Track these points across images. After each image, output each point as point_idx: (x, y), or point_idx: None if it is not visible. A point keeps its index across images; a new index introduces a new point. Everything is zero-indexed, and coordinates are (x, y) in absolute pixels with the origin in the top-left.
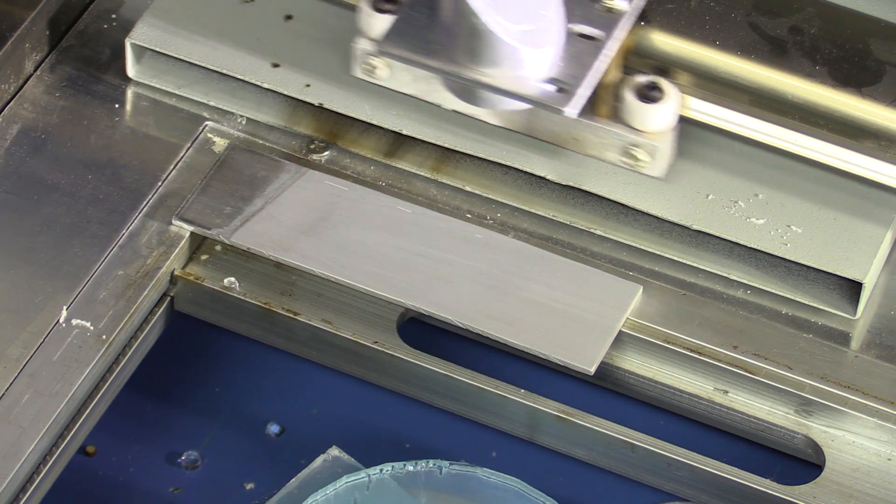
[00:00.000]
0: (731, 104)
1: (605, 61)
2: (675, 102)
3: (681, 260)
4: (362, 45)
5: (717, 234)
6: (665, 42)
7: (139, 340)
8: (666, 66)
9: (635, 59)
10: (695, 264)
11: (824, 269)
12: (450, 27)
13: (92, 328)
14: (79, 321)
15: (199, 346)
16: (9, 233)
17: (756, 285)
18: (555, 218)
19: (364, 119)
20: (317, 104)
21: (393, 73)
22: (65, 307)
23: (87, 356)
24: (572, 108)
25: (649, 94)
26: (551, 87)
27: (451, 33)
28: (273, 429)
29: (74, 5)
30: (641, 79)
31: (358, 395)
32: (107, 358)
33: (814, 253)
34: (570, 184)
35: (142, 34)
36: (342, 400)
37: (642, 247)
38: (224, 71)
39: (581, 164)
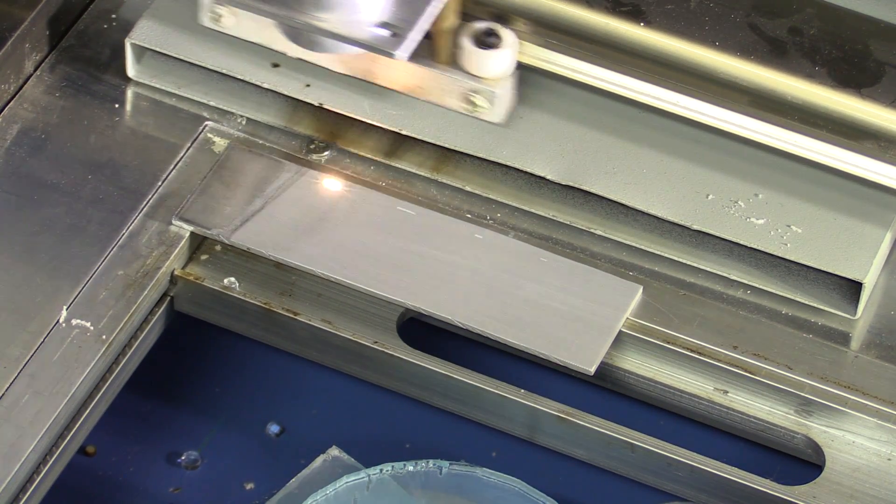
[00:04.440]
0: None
1: (437, 6)
2: (513, 49)
3: (681, 260)
4: None
5: (717, 234)
6: None
7: (139, 340)
8: (504, 13)
9: (476, 6)
10: (695, 264)
11: (824, 269)
12: None
13: (92, 328)
14: (79, 321)
15: (198, 346)
16: (9, 233)
17: (756, 285)
18: (555, 218)
19: (364, 119)
20: (317, 104)
21: (238, 21)
22: (65, 307)
23: (86, 356)
24: (403, 52)
25: (486, 41)
26: (384, 31)
27: None
28: (273, 429)
29: (74, 5)
30: (479, 25)
31: (358, 395)
32: (107, 358)
33: (814, 253)
34: (570, 184)
35: (142, 34)
36: (342, 400)
37: (642, 247)
38: (224, 71)
39: (581, 163)
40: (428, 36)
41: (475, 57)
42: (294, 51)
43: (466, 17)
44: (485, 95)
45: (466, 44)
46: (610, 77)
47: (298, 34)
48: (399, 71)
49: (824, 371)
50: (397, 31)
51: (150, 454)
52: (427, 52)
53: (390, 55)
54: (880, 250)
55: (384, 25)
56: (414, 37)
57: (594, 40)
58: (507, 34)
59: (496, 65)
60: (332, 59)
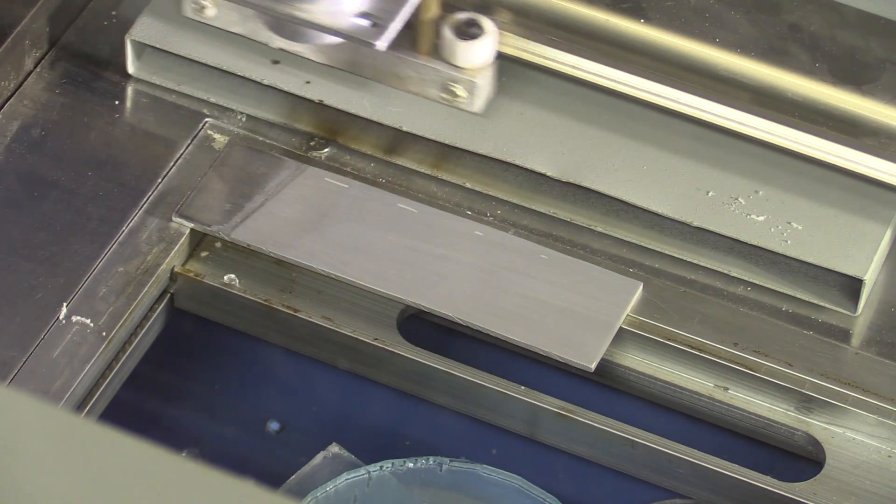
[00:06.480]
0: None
1: None
2: (493, 39)
3: (681, 257)
4: None
5: (718, 230)
6: None
7: (139, 337)
8: (486, 3)
9: None
10: (695, 261)
11: (825, 265)
12: None
13: (92, 325)
14: (78, 318)
15: (198, 344)
16: (9, 229)
17: (756, 282)
18: (555, 215)
19: (364, 116)
20: (317, 101)
21: (220, 12)
22: (64, 304)
23: (86, 353)
24: (383, 42)
25: (468, 31)
26: (365, 22)
27: None
28: (273, 426)
29: (74, 2)
30: (460, 15)
31: (358, 392)
32: (106, 355)
33: (814, 250)
34: (571, 181)
35: (142, 31)
36: (342, 397)
37: (643, 243)
38: (224, 68)
39: (582, 160)
40: (409, 26)
41: (456, 47)
42: (277, 42)
43: (448, 7)
44: (464, 85)
45: (447, 34)
46: (607, 73)
47: (281, 25)
48: (379, 61)
49: (825, 368)
50: (378, 22)
51: None
52: (408, 42)
53: (371, 45)
54: (881, 247)
55: (365, 16)
56: (395, 27)
57: (593, 36)
58: (487, 24)
59: (476, 55)
60: (314, 49)
